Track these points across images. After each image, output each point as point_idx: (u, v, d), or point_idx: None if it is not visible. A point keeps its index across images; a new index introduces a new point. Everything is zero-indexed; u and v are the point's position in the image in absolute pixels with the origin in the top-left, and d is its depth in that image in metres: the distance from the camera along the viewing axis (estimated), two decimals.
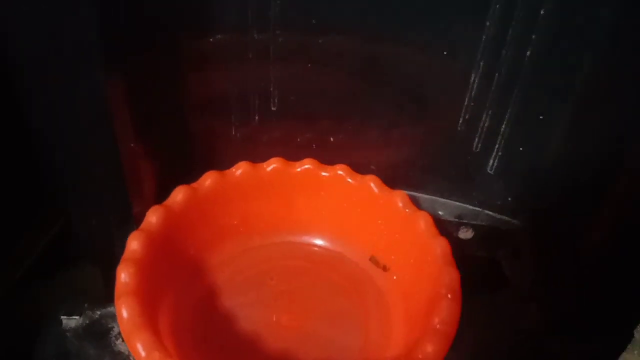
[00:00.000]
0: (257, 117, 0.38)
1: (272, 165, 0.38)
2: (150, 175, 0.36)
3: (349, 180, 0.37)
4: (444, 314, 0.28)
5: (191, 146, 0.39)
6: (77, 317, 0.34)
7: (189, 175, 0.36)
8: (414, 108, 0.37)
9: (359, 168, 0.38)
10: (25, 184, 0.35)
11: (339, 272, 0.38)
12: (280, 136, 0.39)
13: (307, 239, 0.39)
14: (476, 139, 0.36)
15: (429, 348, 0.26)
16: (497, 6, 0.30)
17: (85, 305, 0.35)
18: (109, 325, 0.34)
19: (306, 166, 0.38)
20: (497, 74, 0.33)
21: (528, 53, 0.31)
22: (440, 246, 0.32)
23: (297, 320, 0.34)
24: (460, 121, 0.35)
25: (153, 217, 0.32)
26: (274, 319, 0.34)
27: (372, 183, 0.37)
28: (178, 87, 0.36)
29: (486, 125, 0.35)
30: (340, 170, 0.37)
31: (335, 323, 0.35)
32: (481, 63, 0.33)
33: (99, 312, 0.35)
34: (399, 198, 0.36)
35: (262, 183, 0.38)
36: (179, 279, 0.34)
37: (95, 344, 0.33)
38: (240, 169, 0.37)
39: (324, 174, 0.38)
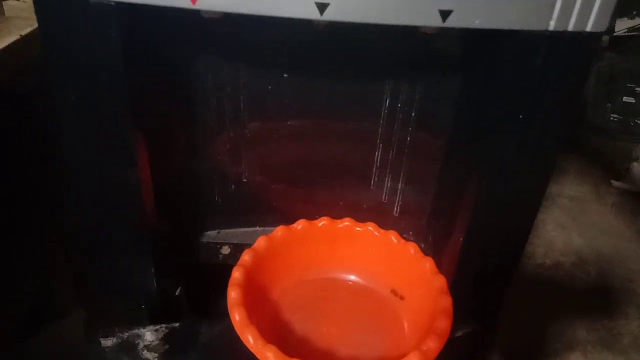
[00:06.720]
0: (232, 186, 0.58)
1: (322, 222, 0.54)
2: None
3: (376, 233, 0.53)
4: (441, 324, 0.43)
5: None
6: (111, 338, 0.47)
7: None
8: (345, 174, 0.58)
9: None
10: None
11: (368, 299, 0.53)
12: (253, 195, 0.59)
13: (345, 275, 0.55)
14: (383, 194, 0.57)
15: (431, 344, 0.42)
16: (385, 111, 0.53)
17: (116, 329, 0.48)
18: (135, 342, 0.47)
19: (346, 223, 0.54)
20: (391, 151, 0.55)
21: (408, 139, 0.52)
22: (439, 281, 0.47)
23: (339, 330, 0.50)
24: (372, 182, 0.57)
25: (246, 256, 0.48)
26: (325, 330, 0.49)
27: (393, 236, 0.52)
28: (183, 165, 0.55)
29: (389, 184, 0.56)
30: (370, 226, 0.53)
31: (365, 332, 0.50)
32: (380, 145, 0.55)
33: (127, 334, 0.48)
34: (411, 247, 0.51)
35: (314, 234, 0.53)
36: (259, 299, 0.50)
37: (127, 354, 0.46)
38: (300, 224, 0.53)
39: (358, 229, 0.54)
